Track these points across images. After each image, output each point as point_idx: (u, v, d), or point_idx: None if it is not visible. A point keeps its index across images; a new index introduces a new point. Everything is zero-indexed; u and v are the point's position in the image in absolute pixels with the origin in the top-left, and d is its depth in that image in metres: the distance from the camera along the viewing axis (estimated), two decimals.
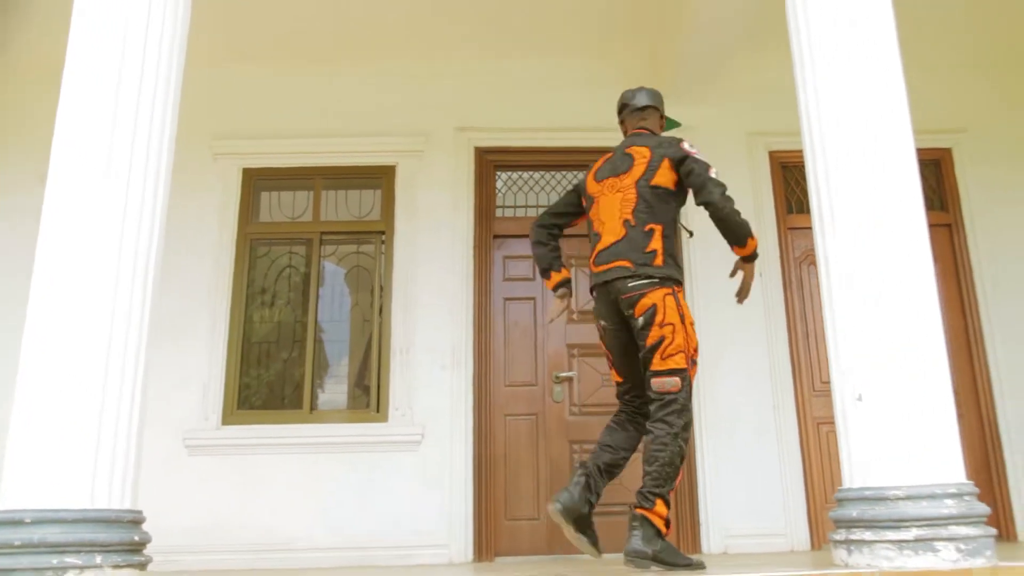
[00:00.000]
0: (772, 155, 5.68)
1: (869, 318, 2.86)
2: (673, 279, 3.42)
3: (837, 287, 2.95)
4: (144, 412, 2.73)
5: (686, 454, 3.29)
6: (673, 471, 3.24)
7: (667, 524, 3.23)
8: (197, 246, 5.26)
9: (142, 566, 2.63)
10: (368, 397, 5.28)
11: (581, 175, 5.64)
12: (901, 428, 2.74)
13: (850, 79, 3.05)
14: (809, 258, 5.53)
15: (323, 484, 4.94)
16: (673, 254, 3.47)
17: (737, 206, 3.49)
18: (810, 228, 5.45)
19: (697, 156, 3.52)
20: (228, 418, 5.08)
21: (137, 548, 2.60)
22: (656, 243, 3.43)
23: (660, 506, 3.20)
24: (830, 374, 2.99)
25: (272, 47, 5.48)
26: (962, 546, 2.58)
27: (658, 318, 3.31)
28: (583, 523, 3.29)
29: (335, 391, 5.48)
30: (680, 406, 3.28)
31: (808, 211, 5.51)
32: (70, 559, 2.40)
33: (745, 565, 3.49)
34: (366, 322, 5.45)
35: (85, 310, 2.62)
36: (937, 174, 5.67)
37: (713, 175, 3.47)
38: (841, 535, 2.80)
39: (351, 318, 5.52)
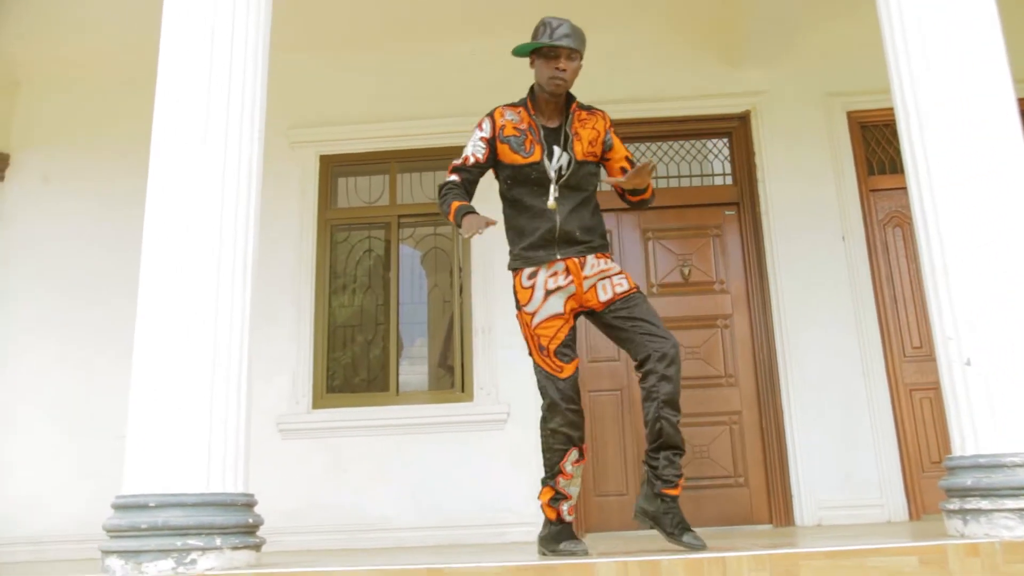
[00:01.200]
0: (851, 116, 5.52)
1: (974, 279, 2.76)
2: (510, 267, 3.19)
3: (937, 249, 2.85)
4: (251, 398, 2.80)
5: (548, 446, 3.12)
6: (544, 459, 3.15)
7: (556, 514, 3.12)
8: (279, 234, 5.35)
9: (257, 547, 2.71)
10: (452, 377, 5.34)
11: (651, 145, 5.64)
12: (1014, 392, 2.65)
13: (942, 20, 2.92)
14: (894, 220, 5.37)
15: (412, 464, 5.01)
16: (511, 231, 3.21)
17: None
18: (894, 189, 5.36)
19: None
20: (318, 402, 5.19)
21: (251, 530, 2.68)
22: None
23: (543, 493, 3.16)
24: (934, 339, 2.89)
25: (344, 33, 5.53)
26: None
27: None
28: (661, 520, 3.02)
29: (416, 372, 5.55)
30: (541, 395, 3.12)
31: (891, 172, 5.38)
32: (192, 541, 2.47)
33: (847, 537, 3.42)
34: (446, 303, 5.50)
35: (192, 303, 2.69)
36: None
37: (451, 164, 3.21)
38: (955, 504, 2.72)
39: (430, 300, 5.57)
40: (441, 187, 3.19)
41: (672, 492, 3.03)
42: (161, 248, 2.74)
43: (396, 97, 5.59)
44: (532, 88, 3.22)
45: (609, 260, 3.18)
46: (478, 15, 5.39)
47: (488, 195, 3.42)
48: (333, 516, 4.94)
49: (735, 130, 5.57)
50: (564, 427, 3.07)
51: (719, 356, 5.25)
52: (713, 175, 5.62)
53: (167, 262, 2.72)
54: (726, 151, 5.63)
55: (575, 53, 3.11)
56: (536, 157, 3.11)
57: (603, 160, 3.26)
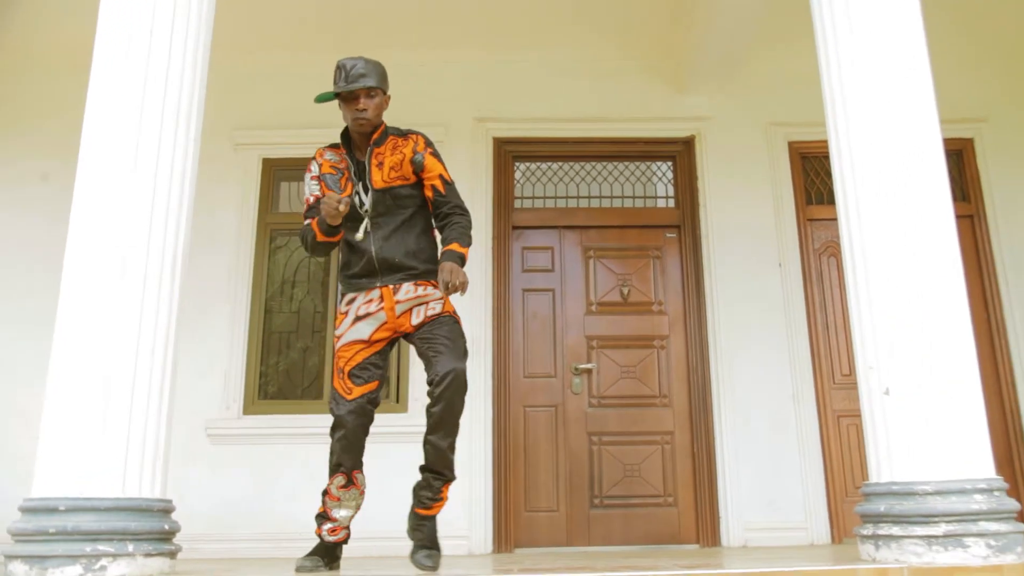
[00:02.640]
0: (792, 146, 5.65)
1: (896, 310, 2.84)
2: (340, 292, 3.33)
3: (863, 279, 2.93)
4: (173, 402, 2.75)
5: (331, 468, 3.24)
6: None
7: (319, 531, 3.26)
8: (217, 236, 5.28)
9: (172, 555, 2.65)
10: (387, 388, 5.29)
11: (596, 165, 5.70)
12: (929, 422, 2.72)
13: (876, 63, 3.01)
14: (829, 249, 5.50)
15: None
16: (341, 260, 3.34)
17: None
18: (830, 220, 5.50)
19: None
20: (249, 408, 5.11)
21: (167, 537, 2.62)
22: None
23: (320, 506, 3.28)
24: (856, 367, 2.98)
25: (290, 37, 5.48)
26: (992, 542, 2.56)
27: None
28: (414, 535, 3.20)
29: None
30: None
31: (828, 202, 5.51)
32: (103, 547, 2.41)
33: (767, 559, 3.48)
34: None
35: (115, 302, 2.63)
36: (959, 164, 5.64)
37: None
38: (868, 530, 2.78)
39: None
40: (301, 237, 3.29)
41: (423, 512, 3.18)
42: (85, 244, 2.68)
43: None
44: (346, 127, 3.30)
45: (433, 288, 3.22)
46: (424, 24, 5.39)
47: None
48: (260, 524, 4.85)
49: (679, 154, 5.65)
50: (337, 445, 3.18)
51: (654, 376, 5.31)
52: (656, 197, 5.70)
53: (90, 259, 2.66)
54: (670, 174, 5.71)
55: (374, 90, 3.17)
56: (347, 193, 3.20)
57: (419, 178, 3.29)
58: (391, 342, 3.26)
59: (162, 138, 2.80)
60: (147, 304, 2.66)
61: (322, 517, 3.23)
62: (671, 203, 5.65)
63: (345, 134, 3.32)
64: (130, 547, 2.46)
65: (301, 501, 4.90)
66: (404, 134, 3.30)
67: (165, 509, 2.65)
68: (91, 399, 2.54)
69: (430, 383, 3.05)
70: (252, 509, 4.89)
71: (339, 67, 3.18)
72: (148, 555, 2.50)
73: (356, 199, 3.20)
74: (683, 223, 5.52)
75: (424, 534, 3.15)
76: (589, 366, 5.28)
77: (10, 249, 5.32)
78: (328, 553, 3.20)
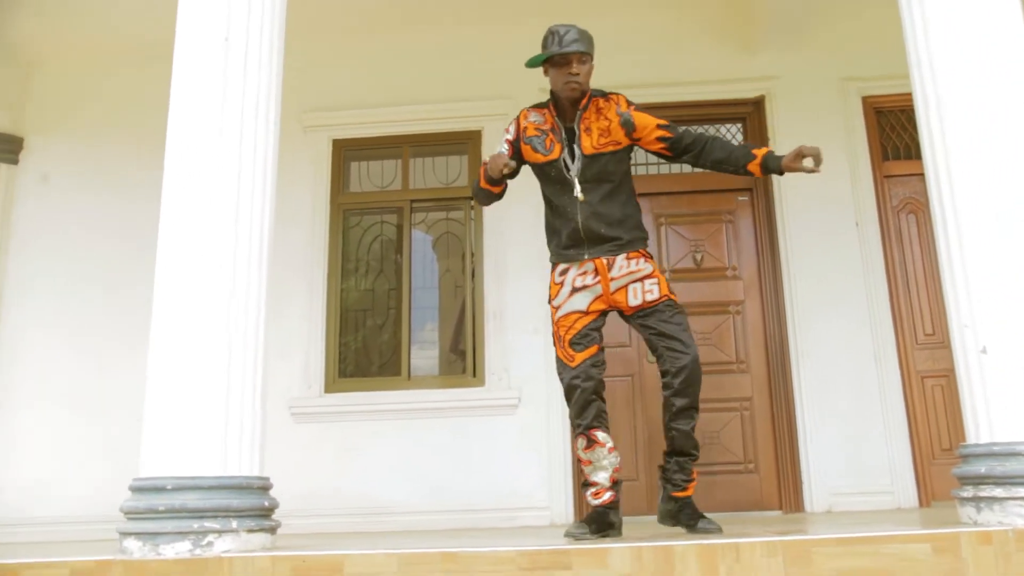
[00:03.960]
0: (866, 101, 5.47)
1: (992, 266, 2.75)
2: (550, 260, 3.33)
3: (955, 235, 2.84)
4: (266, 382, 2.82)
5: (574, 436, 3.21)
6: None
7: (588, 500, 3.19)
8: (291, 218, 5.35)
9: (272, 530, 2.73)
10: (464, 362, 5.35)
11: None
12: None
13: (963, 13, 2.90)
14: (908, 206, 5.34)
15: (423, 449, 5.03)
16: (548, 234, 3.35)
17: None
18: (909, 175, 5.33)
19: None
20: (330, 386, 5.21)
21: (267, 513, 2.70)
22: None
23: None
24: (949, 326, 2.89)
25: (355, 19, 5.51)
26: None
27: None
28: (677, 517, 3.18)
29: (427, 357, 5.56)
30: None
31: (906, 157, 5.35)
32: (209, 523, 2.50)
33: (857, 523, 3.43)
34: (458, 288, 5.50)
35: (208, 287, 2.70)
36: None
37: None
38: (968, 492, 2.72)
39: (442, 285, 5.57)
40: (474, 186, 3.39)
41: (681, 495, 3.18)
42: (178, 233, 2.76)
43: (408, 81, 5.57)
44: (552, 91, 3.28)
45: (642, 260, 3.21)
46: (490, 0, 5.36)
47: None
48: (344, 500, 4.97)
49: (749, 115, 5.54)
50: (572, 410, 3.16)
51: (731, 342, 5.25)
52: None
53: (183, 247, 2.74)
54: (740, 136, 5.60)
55: (585, 56, 3.17)
56: (555, 155, 3.20)
57: (635, 141, 3.26)
58: (605, 312, 3.26)
59: (243, 122, 2.85)
60: (238, 286, 2.73)
61: (584, 485, 3.22)
62: None
63: (552, 99, 3.32)
64: (234, 523, 2.54)
65: (383, 477, 5.02)
66: (605, 95, 3.27)
67: (264, 486, 2.73)
68: (190, 381, 2.62)
69: (666, 374, 3.10)
70: (336, 485, 5.01)
71: (551, 32, 3.19)
72: (251, 531, 2.59)
73: (567, 160, 3.19)
74: (755, 186, 5.42)
75: (691, 511, 3.16)
76: None
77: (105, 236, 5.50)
78: (598, 519, 3.11)
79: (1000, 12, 2.91)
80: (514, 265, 5.26)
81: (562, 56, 3.14)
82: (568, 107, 3.23)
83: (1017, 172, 2.78)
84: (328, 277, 5.36)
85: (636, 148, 3.31)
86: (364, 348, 5.41)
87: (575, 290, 3.18)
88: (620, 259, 3.17)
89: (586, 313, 3.18)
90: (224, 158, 2.80)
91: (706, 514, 3.15)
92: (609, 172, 3.20)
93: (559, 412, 5.02)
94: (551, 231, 3.30)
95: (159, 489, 2.52)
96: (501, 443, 5.03)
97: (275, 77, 3.01)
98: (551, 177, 3.22)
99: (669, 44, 5.57)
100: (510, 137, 3.29)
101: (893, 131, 5.49)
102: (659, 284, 3.19)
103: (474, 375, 5.21)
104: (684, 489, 3.19)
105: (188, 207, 2.76)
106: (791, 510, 4.92)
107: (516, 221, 5.28)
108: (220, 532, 2.51)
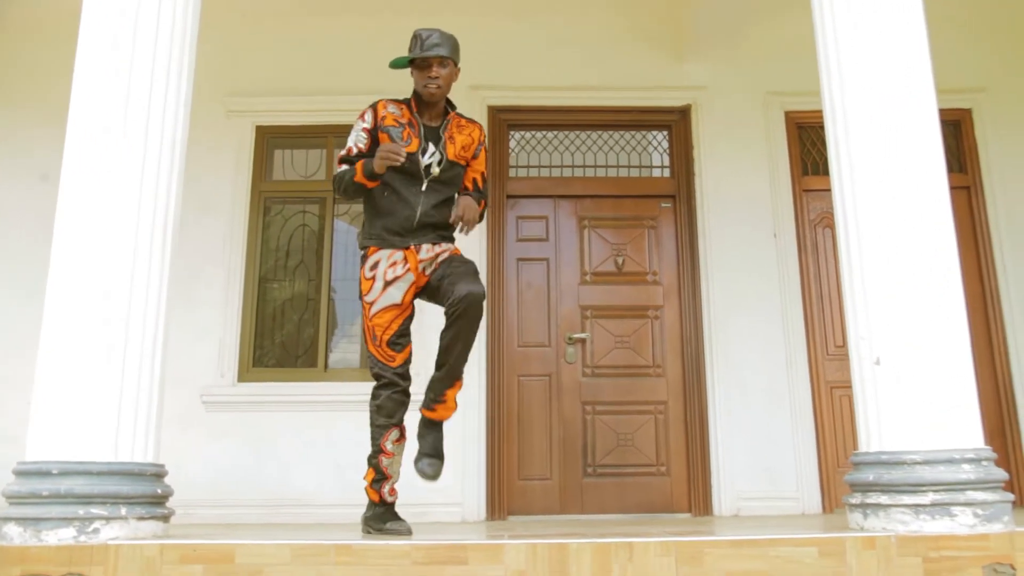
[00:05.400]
0: (788, 115, 5.61)
1: (888, 281, 2.84)
2: (362, 245, 3.37)
3: (856, 248, 2.93)
4: (164, 368, 2.75)
5: (373, 422, 3.28)
6: (373, 443, 3.30)
7: (379, 496, 3.27)
8: (211, 204, 5.25)
9: (165, 518, 2.67)
10: None
11: (592, 134, 5.67)
12: (919, 392, 2.73)
13: (872, 33, 2.99)
14: (824, 220, 5.49)
15: (336, 441, 4.97)
16: (372, 213, 3.36)
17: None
18: (826, 190, 5.39)
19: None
20: (244, 375, 5.12)
21: (160, 501, 2.64)
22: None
23: (367, 474, 3.30)
24: (847, 337, 2.98)
25: (282, 4, 5.43)
26: (979, 511, 2.58)
27: None
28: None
29: (348, 350, 5.50)
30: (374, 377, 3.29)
31: (824, 173, 5.48)
32: (96, 510, 2.43)
33: (756, 527, 3.51)
34: None
35: (105, 267, 2.62)
36: (956, 135, 5.61)
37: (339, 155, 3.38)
38: (856, 499, 2.81)
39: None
40: (335, 178, 3.36)
41: (428, 415, 3.31)
42: (75, 211, 2.67)
43: (335, 71, 5.50)
44: (415, 91, 3.38)
45: (445, 244, 3.36)
46: None
47: None
48: (255, 490, 4.89)
49: (675, 123, 5.62)
50: (389, 403, 3.24)
51: (648, 346, 5.32)
52: (652, 167, 5.67)
53: (81, 225, 2.65)
54: (665, 144, 5.68)
55: (447, 60, 3.29)
56: (413, 148, 3.29)
57: (467, 164, 3.45)
58: (412, 309, 3.33)
59: (151, 100, 2.78)
60: (138, 268, 2.66)
61: (379, 480, 3.26)
62: (666, 173, 5.63)
63: (414, 96, 3.40)
64: (123, 510, 2.48)
65: (296, 468, 4.96)
66: (470, 120, 3.48)
67: (158, 473, 2.66)
68: (83, 363, 2.54)
69: (449, 305, 3.12)
70: (248, 476, 4.92)
71: (416, 36, 3.31)
72: (141, 518, 2.53)
73: (421, 156, 3.29)
74: (678, 193, 5.50)
75: (429, 442, 3.28)
76: (583, 336, 5.29)
77: (4, 215, 5.30)
78: (395, 513, 3.28)
79: (907, 34, 3.00)
80: None
81: (423, 60, 3.26)
82: (426, 108, 3.37)
83: (916, 190, 2.87)
84: (246, 266, 5.25)
85: None
86: (282, 339, 5.33)
87: (387, 283, 3.24)
88: (427, 244, 3.29)
89: (402, 308, 3.26)
90: (127, 133, 2.73)
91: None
92: (455, 180, 3.38)
93: (475, 409, 5.03)
94: (380, 214, 3.32)
95: (44, 473, 2.44)
96: (416, 438, 4.99)
97: (188, 54, 2.94)
98: (403, 167, 3.25)
99: (599, 48, 5.62)
100: (367, 125, 3.35)
101: (813, 146, 5.64)
102: (451, 252, 3.32)
103: None
104: (432, 410, 3.30)
105: (87, 182, 2.68)
106: (700, 513, 5.01)
107: None
108: (108, 519, 2.44)
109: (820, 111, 3.24)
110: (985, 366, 5.20)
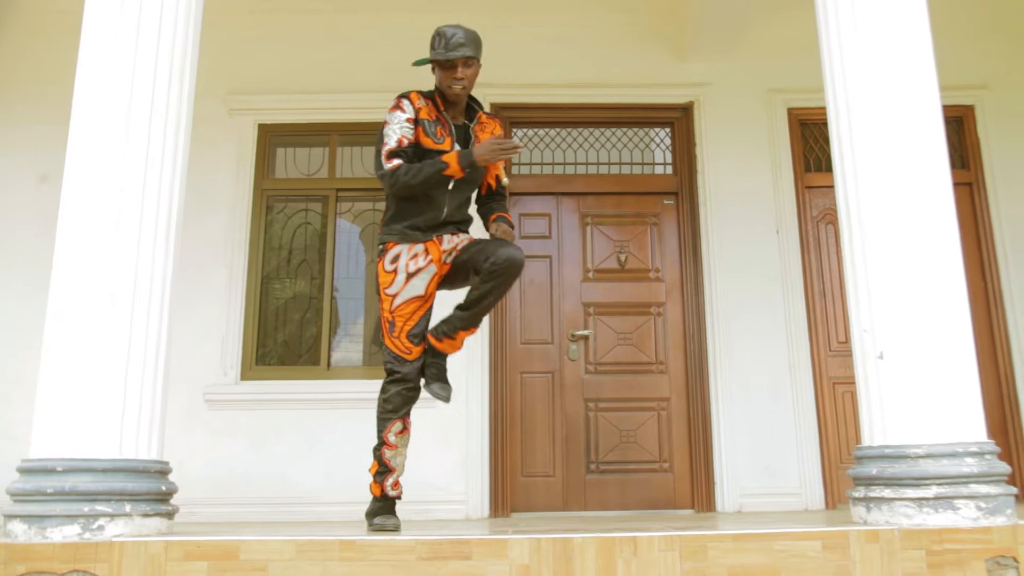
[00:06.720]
0: (791, 112, 5.61)
1: (891, 276, 2.85)
2: (381, 240, 3.35)
3: (859, 243, 2.94)
4: (168, 365, 2.76)
5: (379, 415, 3.28)
6: (378, 435, 3.30)
7: (380, 490, 3.27)
8: (214, 202, 5.25)
9: (169, 515, 2.67)
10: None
11: (594, 131, 5.67)
12: (922, 386, 2.74)
13: (875, 30, 2.99)
14: (827, 217, 5.49)
15: (340, 439, 4.97)
16: (396, 211, 3.33)
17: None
18: (828, 187, 5.46)
19: (386, 121, 3.28)
20: (247, 373, 5.13)
21: (164, 498, 2.64)
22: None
23: (372, 466, 3.31)
24: (851, 332, 2.99)
25: (285, 0, 5.43)
26: (982, 504, 2.59)
27: None
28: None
29: (350, 348, 5.50)
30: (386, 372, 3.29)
31: (826, 169, 5.48)
32: (100, 507, 2.44)
33: (759, 523, 3.51)
34: None
35: (109, 265, 2.63)
36: (959, 132, 5.61)
37: (383, 150, 3.22)
38: (860, 492, 2.81)
39: (366, 275, 5.52)
40: (394, 173, 3.18)
41: (435, 343, 3.30)
42: (79, 208, 2.67)
43: (338, 68, 5.50)
44: (437, 88, 3.36)
45: (463, 235, 3.42)
46: None
47: None
48: (258, 488, 4.89)
49: (678, 120, 5.62)
50: (397, 398, 3.24)
51: (651, 343, 5.32)
52: (654, 164, 5.67)
53: (84, 222, 2.66)
54: (668, 141, 5.68)
55: (471, 60, 3.27)
56: (446, 146, 3.27)
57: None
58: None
59: (155, 98, 2.78)
60: (141, 266, 2.66)
61: (382, 473, 3.26)
62: (669, 170, 5.63)
63: (437, 91, 3.37)
64: (127, 507, 2.48)
65: (299, 466, 4.96)
66: (491, 115, 3.48)
67: (162, 471, 2.67)
68: (87, 361, 2.55)
69: (491, 264, 3.12)
70: (250, 473, 4.92)
71: (439, 34, 3.25)
72: (145, 515, 2.53)
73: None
74: (681, 190, 5.50)
75: (435, 371, 3.30)
76: (586, 333, 5.29)
77: (9, 213, 5.30)
78: (391, 508, 3.27)
79: (910, 31, 3.00)
80: None
81: (447, 60, 3.22)
82: (452, 105, 3.35)
83: (919, 186, 2.88)
84: (249, 264, 5.26)
85: None
86: (284, 337, 5.33)
87: (410, 275, 3.25)
88: (447, 236, 3.33)
89: (425, 300, 3.28)
90: (131, 133, 2.73)
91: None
92: (478, 179, 3.39)
93: (478, 406, 5.04)
94: (406, 214, 3.29)
95: (48, 471, 2.44)
96: (420, 435, 4.91)
97: (190, 52, 2.94)
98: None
99: (602, 45, 5.62)
100: (410, 115, 3.24)
101: (816, 143, 5.64)
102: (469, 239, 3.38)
103: None
104: (439, 340, 3.30)
105: (90, 180, 2.68)
106: (703, 509, 5.01)
107: None
108: (112, 516, 2.45)
109: (823, 108, 3.24)
110: (987, 360, 5.20)
